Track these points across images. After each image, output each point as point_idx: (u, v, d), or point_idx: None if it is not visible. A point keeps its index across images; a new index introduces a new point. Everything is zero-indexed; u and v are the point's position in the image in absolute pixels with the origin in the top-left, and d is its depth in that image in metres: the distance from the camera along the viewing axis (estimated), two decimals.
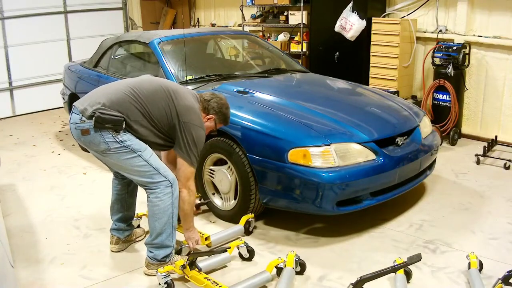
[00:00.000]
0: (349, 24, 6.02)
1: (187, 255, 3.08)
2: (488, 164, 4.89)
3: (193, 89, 3.78)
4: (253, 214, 3.49)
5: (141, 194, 3.39)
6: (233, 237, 3.40)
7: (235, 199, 3.59)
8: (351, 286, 2.67)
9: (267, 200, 3.43)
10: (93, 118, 2.73)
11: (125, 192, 3.22)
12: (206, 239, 3.22)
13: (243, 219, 3.45)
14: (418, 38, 6.00)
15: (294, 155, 3.22)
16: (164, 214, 2.87)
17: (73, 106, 2.90)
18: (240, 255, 3.15)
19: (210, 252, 3.03)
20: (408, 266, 2.83)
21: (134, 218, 3.46)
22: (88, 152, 5.24)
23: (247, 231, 3.47)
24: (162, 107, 2.85)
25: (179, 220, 3.23)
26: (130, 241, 3.36)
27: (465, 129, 5.79)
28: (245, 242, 3.15)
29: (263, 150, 3.34)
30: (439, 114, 5.56)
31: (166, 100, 2.87)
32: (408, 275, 2.84)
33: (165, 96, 2.88)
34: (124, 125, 2.77)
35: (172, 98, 2.88)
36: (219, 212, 3.73)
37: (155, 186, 2.86)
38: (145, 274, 2.99)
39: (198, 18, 9.26)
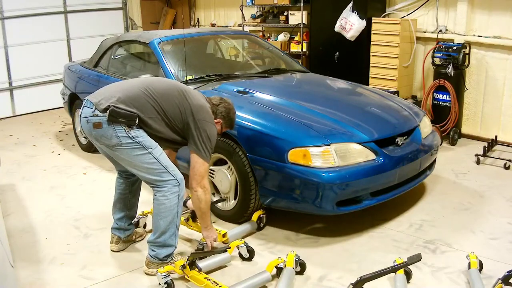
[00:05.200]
0: (349, 24, 6.02)
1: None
2: (488, 164, 4.89)
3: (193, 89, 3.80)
4: (264, 210, 3.53)
5: (144, 194, 3.40)
6: (248, 232, 3.46)
7: (235, 199, 3.59)
8: (351, 286, 2.67)
9: (267, 200, 3.43)
10: (107, 111, 2.75)
11: (128, 192, 3.23)
12: (223, 235, 3.26)
13: (255, 215, 3.50)
14: (418, 38, 6.00)
15: (294, 155, 3.22)
16: (170, 213, 2.88)
17: (85, 100, 2.92)
18: (240, 255, 3.15)
19: (210, 252, 3.03)
20: (408, 266, 2.83)
21: (140, 216, 3.48)
22: (89, 152, 5.35)
23: (259, 227, 3.53)
24: (175, 104, 2.90)
25: (195, 218, 3.26)
26: (130, 241, 3.36)
27: (465, 129, 5.79)
28: (245, 242, 3.15)
29: (263, 150, 3.34)
30: (439, 114, 5.56)
31: (179, 98, 2.92)
32: (408, 275, 2.84)
33: (178, 95, 2.93)
34: (137, 121, 2.80)
35: (185, 97, 2.93)
36: (219, 212, 3.72)
37: (163, 184, 2.87)
38: (145, 273, 2.99)
39: (198, 18, 9.26)
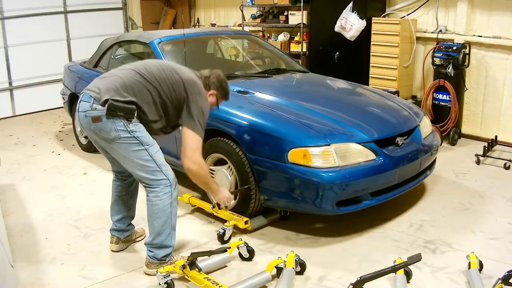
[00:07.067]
0: (349, 24, 6.02)
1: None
2: (488, 164, 4.89)
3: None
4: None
5: (143, 194, 3.39)
6: (270, 222, 3.59)
7: (235, 199, 3.59)
8: (351, 286, 2.67)
9: (267, 200, 3.43)
10: (106, 105, 2.76)
11: (125, 194, 3.23)
12: (246, 222, 3.38)
13: None
14: (418, 38, 5.99)
15: (294, 155, 3.22)
16: (163, 213, 2.88)
17: (82, 94, 2.91)
18: (240, 255, 3.16)
19: (210, 252, 3.03)
20: (408, 266, 2.83)
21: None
22: (89, 152, 5.34)
23: (283, 217, 3.64)
24: (170, 83, 2.92)
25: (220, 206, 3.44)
26: (130, 241, 3.36)
27: (465, 129, 5.79)
28: (245, 242, 3.15)
29: (263, 150, 3.34)
30: (439, 114, 5.56)
31: (172, 77, 2.93)
32: (408, 275, 2.84)
33: (170, 73, 2.95)
34: (135, 114, 2.81)
35: (178, 73, 2.96)
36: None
37: (155, 184, 2.87)
38: (145, 273, 3.00)
39: (198, 18, 9.26)
